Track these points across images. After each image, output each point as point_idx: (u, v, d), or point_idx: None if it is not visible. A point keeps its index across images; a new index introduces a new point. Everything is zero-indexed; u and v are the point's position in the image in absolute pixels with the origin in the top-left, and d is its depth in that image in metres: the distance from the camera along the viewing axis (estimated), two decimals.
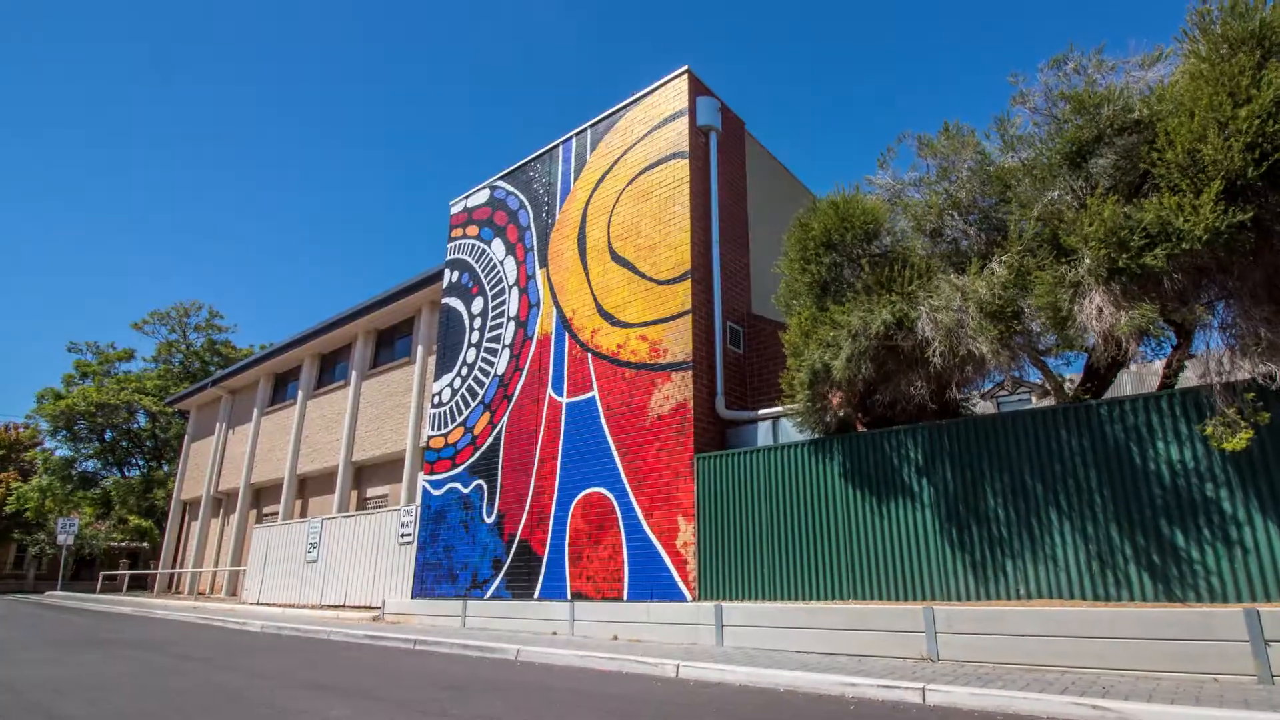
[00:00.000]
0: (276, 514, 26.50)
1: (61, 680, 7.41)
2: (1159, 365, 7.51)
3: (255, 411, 28.89)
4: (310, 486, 25.66)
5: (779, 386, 11.42)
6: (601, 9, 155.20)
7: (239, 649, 10.73)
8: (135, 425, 44.67)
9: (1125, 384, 8.81)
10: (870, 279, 8.04)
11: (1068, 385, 8.01)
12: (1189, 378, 7.56)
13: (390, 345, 23.75)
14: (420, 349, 21.21)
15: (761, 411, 10.79)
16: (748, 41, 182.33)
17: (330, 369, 26.26)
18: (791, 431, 10.26)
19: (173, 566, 32.77)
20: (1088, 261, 6.57)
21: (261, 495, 28.31)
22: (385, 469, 22.53)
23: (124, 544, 44.40)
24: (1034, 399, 8.21)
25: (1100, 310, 6.52)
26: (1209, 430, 6.04)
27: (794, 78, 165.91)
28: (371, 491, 22.87)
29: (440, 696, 6.53)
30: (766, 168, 14.69)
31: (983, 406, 9.35)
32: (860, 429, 8.92)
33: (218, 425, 31.55)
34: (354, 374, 23.84)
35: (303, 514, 25.40)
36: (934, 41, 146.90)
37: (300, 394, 26.30)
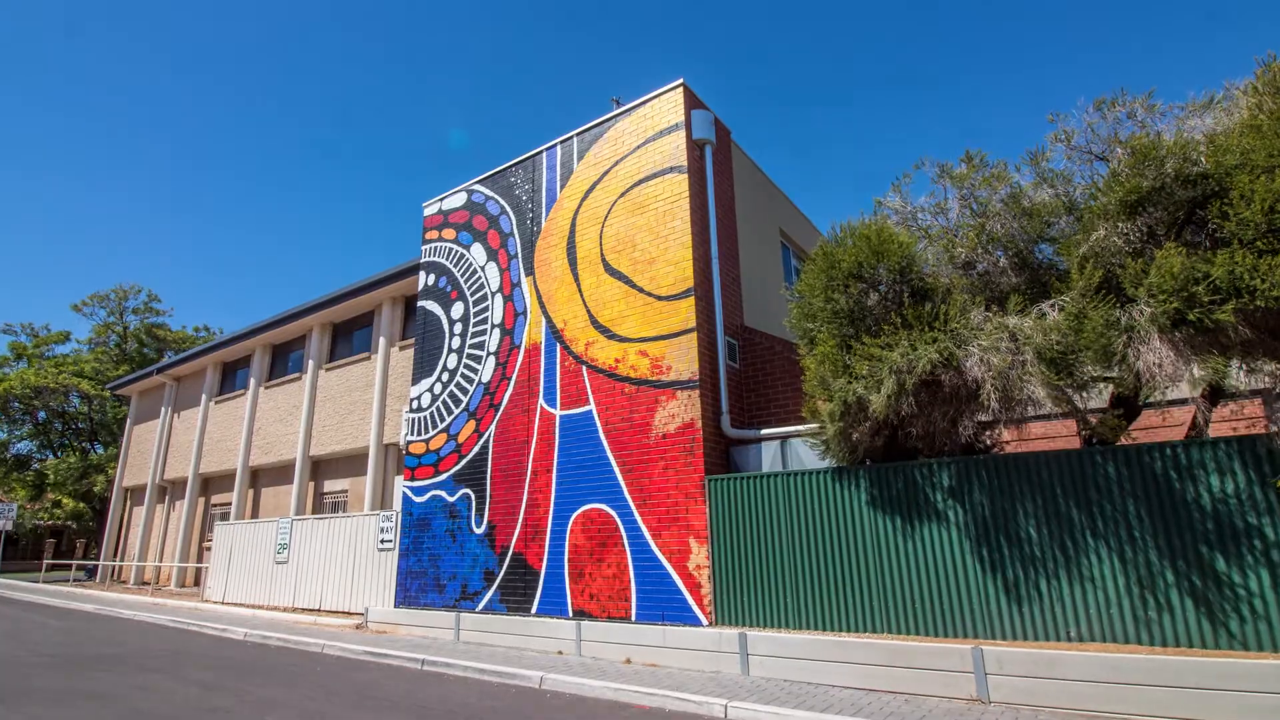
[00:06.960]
0: (228, 504, 24.48)
1: None
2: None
3: (204, 399, 26.43)
4: (264, 478, 23.72)
5: (780, 401, 10.80)
6: (552, 15, 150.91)
7: (249, 670, 9.47)
8: (70, 407, 41.20)
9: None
10: (910, 314, 7.47)
11: (1090, 415, 7.64)
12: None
13: (348, 338, 22.02)
14: (382, 342, 19.71)
15: (770, 431, 10.10)
16: (719, 40, 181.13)
17: (284, 359, 24.22)
18: (802, 450, 9.68)
19: (115, 553, 30.08)
20: (1148, 310, 6.15)
21: (211, 485, 26.07)
22: (346, 464, 20.95)
23: (49, 523, 41.15)
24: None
25: (1162, 360, 6.13)
26: None
27: (771, 80, 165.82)
28: (330, 486, 21.30)
29: None
30: (749, 176, 13.96)
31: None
32: (886, 460, 8.41)
33: (163, 410, 28.86)
34: (310, 364, 22.01)
35: (255, 505, 23.56)
36: (916, 47, 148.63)
37: (252, 383, 24.19)
